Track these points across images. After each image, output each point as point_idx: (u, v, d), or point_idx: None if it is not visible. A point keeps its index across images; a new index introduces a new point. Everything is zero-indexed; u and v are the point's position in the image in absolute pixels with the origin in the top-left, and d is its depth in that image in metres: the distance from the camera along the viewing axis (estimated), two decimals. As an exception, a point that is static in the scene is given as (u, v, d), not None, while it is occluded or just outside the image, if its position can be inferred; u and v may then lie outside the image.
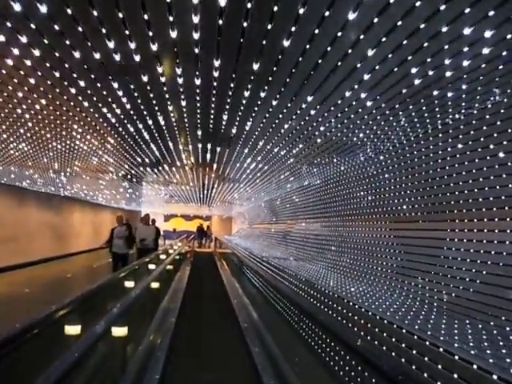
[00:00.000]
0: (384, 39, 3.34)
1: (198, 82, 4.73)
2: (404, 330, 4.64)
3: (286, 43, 3.56)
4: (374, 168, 8.85)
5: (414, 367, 4.17)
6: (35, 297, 9.07)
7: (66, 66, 4.38)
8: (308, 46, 3.57)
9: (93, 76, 4.70)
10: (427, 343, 4.16)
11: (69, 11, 3.25)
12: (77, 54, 4.06)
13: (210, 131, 7.23)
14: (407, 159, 7.56)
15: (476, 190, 6.00)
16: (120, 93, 5.29)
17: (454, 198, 6.42)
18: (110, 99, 5.58)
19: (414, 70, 3.92)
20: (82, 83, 4.95)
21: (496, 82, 4.16)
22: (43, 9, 3.18)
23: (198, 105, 5.65)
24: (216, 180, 14.55)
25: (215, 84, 4.75)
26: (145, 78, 4.72)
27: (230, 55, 3.94)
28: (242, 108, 5.69)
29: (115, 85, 5.01)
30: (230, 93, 5.04)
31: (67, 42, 3.76)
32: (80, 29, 3.51)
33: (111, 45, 3.82)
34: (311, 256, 12.68)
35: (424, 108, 5.16)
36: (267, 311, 7.90)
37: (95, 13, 3.26)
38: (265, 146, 8.29)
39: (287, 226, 17.37)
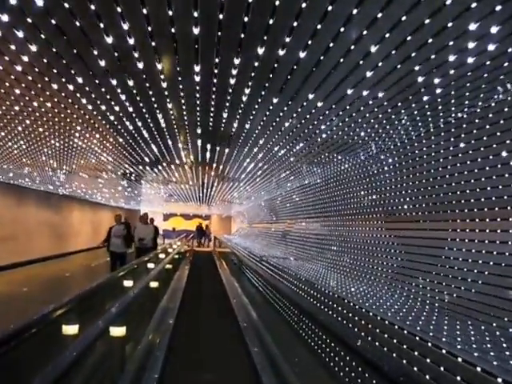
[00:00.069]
0: (387, 35, 3.27)
1: (197, 78, 4.66)
2: (405, 331, 4.59)
3: (288, 39, 3.49)
4: (374, 167, 8.79)
5: (415, 369, 4.12)
6: (33, 296, 9.02)
7: (64, 62, 4.30)
8: (310, 42, 3.50)
9: (91, 72, 4.63)
10: (429, 344, 4.11)
11: (66, 5, 3.18)
12: (74, 50, 3.98)
13: (210, 129, 7.16)
14: (408, 158, 7.50)
15: (478, 190, 5.95)
16: (118, 90, 5.21)
17: (456, 198, 6.36)
18: (108, 96, 5.51)
19: (417, 67, 3.85)
20: (79, 79, 4.87)
21: (500, 80, 4.10)
22: (39, 2, 3.11)
23: (198, 102, 5.58)
24: (215, 179, 14.50)
25: (215, 81, 4.68)
26: (144, 75, 4.65)
27: (230, 51, 3.87)
28: (242, 106, 5.63)
29: (113, 82, 4.93)
30: (230, 90, 4.97)
31: (64, 37, 3.69)
32: (77, 23, 3.43)
33: (109, 40, 3.74)
34: (311, 255, 12.63)
35: (426, 106, 5.10)
36: (266, 311, 7.84)
37: (93, 7, 3.19)
38: (265, 145, 8.23)
39: (287, 226, 17.32)
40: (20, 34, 3.63)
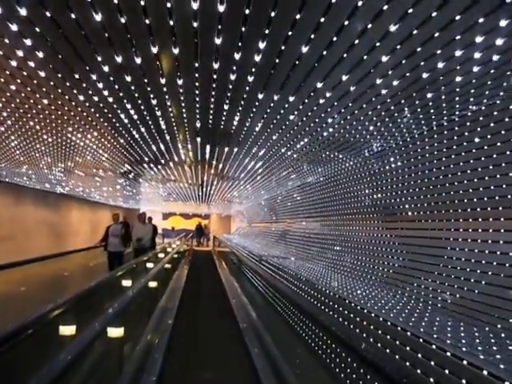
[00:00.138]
0: (393, 29, 3.17)
1: (196, 75, 4.55)
2: (409, 333, 4.51)
3: (290, 32, 3.39)
4: (376, 166, 8.70)
5: (419, 371, 4.04)
6: (31, 295, 8.93)
7: (60, 57, 4.20)
8: (313, 36, 3.39)
9: (87, 68, 4.53)
10: (433, 346, 4.03)
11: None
12: (71, 46, 3.88)
13: (210, 127, 7.06)
14: (410, 157, 7.42)
15: (481, 189, 5.87)
16: (116, 86, 5.11)
17: (458, 197, 6.28)
18: (106, 93, 5.40)
19: (422, 63, 3.76)
20: (76, 76, 4.77)
21: (507, 76, 4.00)
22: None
23: (197, 99, 5.47)
24: (215, 178, 14.40)
25: (215, 77, 4.57)
26: (141, 71, 4.55)
27: (230, 47, 3.76)
28: (242, 102, 5.52)
29: (111, 78, 4.83)
30: (230, 86, 4.87)
31: (60, 31, 3.58)
32: (73, 16, 3.33)
33: (106, 34, 3.64)
34: (311, 255, 12.55)
35: (430, 103, 5.00)
36: (266, 311, 7.75)
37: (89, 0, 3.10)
38: (265, 143, 8.13)
39: (287, 225, 17.24)
40: (14, 28, 3.52)
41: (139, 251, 9.95)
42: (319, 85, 4.64)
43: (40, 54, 4.16)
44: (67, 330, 3.35)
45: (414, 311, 6.06)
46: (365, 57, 3.72)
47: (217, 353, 5.39)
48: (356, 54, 3.68)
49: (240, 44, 3.70)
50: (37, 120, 7.05)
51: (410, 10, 2.94)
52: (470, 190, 6.04)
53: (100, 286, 5.46)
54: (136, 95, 5.45)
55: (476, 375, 3.34)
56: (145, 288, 6.19)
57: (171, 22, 3.35)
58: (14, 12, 3.28)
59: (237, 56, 3.95)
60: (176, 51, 3.95)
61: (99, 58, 4.18)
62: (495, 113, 5.08)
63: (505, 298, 5.08)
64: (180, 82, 4.85)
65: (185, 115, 6.35)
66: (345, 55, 3.73)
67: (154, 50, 3.94)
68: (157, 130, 7.38)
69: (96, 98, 5.60)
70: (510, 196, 5.38)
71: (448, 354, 3.79)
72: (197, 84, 4.86)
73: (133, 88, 5.14)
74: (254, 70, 4.30)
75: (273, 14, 3.14)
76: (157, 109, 6.05)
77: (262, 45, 3.66)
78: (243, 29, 3.38)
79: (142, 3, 3.13)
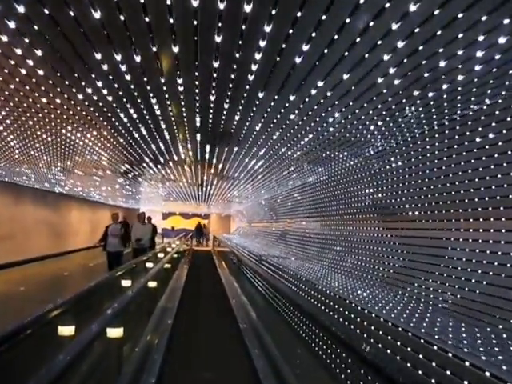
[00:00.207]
0: (395, 27, 3.14)
1: (196, 73, 4.52)
2: (410, 333, 4.47)
3: (291, 30, 3.35)
4: (377, 166, 8.67)
5: (420, 372, 4.01)
6: (31, 295, 8.90)
7: (59, 55, 4.17)
8: (314, 34, 3.36)
9: (86, 66, 4.49)
10: (435, 347, 4.00)
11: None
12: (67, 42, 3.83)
13: (209, 126, 7.03)
14: (411, 156, 7.39)
15: (482, 189, 5.84)
16: (115, 85, 5.07)
17: (460, 197, 6.25)
18: (105, 92, 5.37)
19: (424, 62, 3.72)
20: (75, 74, 4.73)
21: (509, 75, 3.96)
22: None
23: (197, 98, 5.43)
24: (215, 177, 14.36)
25: (215, 75, 4.53)
26: (141, 69, 4.51)
27: (230, 45, 3.73)
28: (242, 101, 5.48)
29: (110, 77, 4.80)
30: (231, 85, 4.83)
31: (58, 29, 3.55)
32: (71, 13, 3.30)
33: (105, 32, 3.61)
34: (311, 255, 12.52)
35: (432, 103, 4.97)
36: (266, 311, 7.72)
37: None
38: (265, 142, 8.10)
39: (287, 225, 17.21)
40: (12, 25, 3.48)
41: (138, 251, 9.90)
42: (320, 83, 4.60)
43: (39, 53, 4.13)
44: (66, 330, 3.33)
45: (414, 312, 6.03)
46: (366, 55, 3.69)
47: (217, 353, 5.36)
48: (357, 52, 3.64)
49: (240, 42, 3.66)
50: (36, 119, 7.01)
51: (412, 8, 2.90)
52: (471, 190, 6.01)
53: (99, 286, 5.43)
54: (135, 94, 5.41)
55: (478, 377, 3.31)
56: (144, 288, 6.17)
57: (171, 20, 3.31)
58: (12, 9, 3.25)
59: (237, 54, 3.91)
60: (176, 49, 3.92)
61: (98, 57, 4.14)
62: (497, 112, 5.04)
63: (506, 299, 5.05)
64: (180, 80, 4.82)
65: (184, 114, 6.32)
66: (346, 54, 3.70)
67: (154, 48, 3.90)
68: (156, 129, 7.34)
69: (95, 97, 5.56)
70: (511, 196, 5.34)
71: (449, 354, 3.76)
72: (196, 83, 4.82)
73: (132, 87, 5.10)
74: (254, 68, 4.27)
75: (273, 12, 3.10)
76: (156, 108, 6.02)
77: (262, 43, 3.63)
78: (243, 27, 3.34)
79: (142, 0, 3.09)
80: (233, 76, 4.55)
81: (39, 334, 3.26)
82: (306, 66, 4.09)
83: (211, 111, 6.04)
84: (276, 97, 5.23)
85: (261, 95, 5.19)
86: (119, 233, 9.35)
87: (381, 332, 5.01)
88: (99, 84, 5.05)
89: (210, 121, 6.64)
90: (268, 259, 12.40)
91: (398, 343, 4.58)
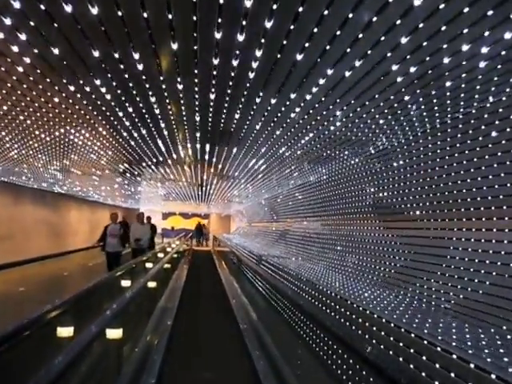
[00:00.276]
0: (398, 22, 3.07)
1: (196, 70, 4.45)
2: (412, 334, 4.41)
3: (292, 26, 3.28)
4: (378, 165, 8.61)
5: (423, 374, 3.95)
6: (30, 295, 8.83)
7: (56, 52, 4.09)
8: (316, 30, 3.29)
9: (84, 63, 4.43)
10: (438, 349, 3.94)
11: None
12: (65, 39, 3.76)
13: (209, 125, 6.96)
14: (413, 155, 7.32)
15: (485, 188, 5.78)
16: (114, 83, 5.01)
17: (462, 196, 6.19)
18: (103, 90, 5.30)
19: (427, 58, 3.65)
20: (72, 72, 4.67)
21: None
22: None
23: (197, 96, 5.36)
24: (215, 177, 14.30)
25: (214, 72, 4.46)
26: (140, 67, 4.44)
27: (230, 39, 3.65)
28: (242, 100, 5.41)
29: (108, 75, 4.73)
30: (231, 83, 4.76)
31: (55, 25, 3.48)
32: (68, 9, 3.23)
33: (102, 28, 3.54)
34: (312, 255, 12.46)
35: (435, 101, 4.90)
36: (266, 312, 7.67)
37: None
38: (266, 141, 8.03)
39: (287, 225, 17.15)
40: (7, 22, 3.41)
41: (137, 251, 9.82)
42: (321, 81, 4.53)
43: (35, 50, 4.06)
44: (65, 331, 3.29)
45: (417, 312, 5.97)
46: (369, 51, 3.62)
47: (217, 353, 5.31)
48: (360, 48, 3.57)
49: (241, 39, 3.60)
50: (34, 118, 6.94)
51: (417, 2, 2.83)
52: (474, 189, 5.95)
53: (99, 287, 5.37)
54: (134, 92, 5.34)
55: (484, 379, 3.25)
56: (144, 288, 6.11)
57: (170, 16, 3.25)
58: (8, 6, 3.18)
59: (237, 51, 3.84)
60: (175, 46, 3.85)
61: (96, 54, 4.08)
62: (500, 110, 4.98)
63: (510, 299, 4.99)
64: (179, 78, 4.75)
65: (184, 112, 6.25)
66: (348, 50, 3.63)
67: (153, 45, 3.83)
68: (156, 128, 7.27)
69: (93, 96, 5.49)
70: (515, 195, 5.29)
71: (454, 356, 3.69)
72: (196, 80, 4.76)
73: (131, 84, 5.03)
74: (254, 65, 4.20)
75: (274, 7, 3.04)
76: (155, 106, 5.95)
77: (263, 39, 3.56)
78: (244, 23, 3.28)
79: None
80: (233, 74, 4.48)
81: (38, 335, 3.22)
82: (307, 62, 4.02)
83: (211, 110, 5.97)
84: (276, 95, 5.16)
85: (261, 93, 5.12)
86: (118, 233, 9.27)
87: (383, 333, 4.96)
88: (97, 82, 4.98)
89: (210, 119, 6.57)
90: (268, 259, 12.34)
91: (401, 344, 4.52)
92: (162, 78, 4.77)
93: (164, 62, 4.34)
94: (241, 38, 3.51)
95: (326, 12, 3.05)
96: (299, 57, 3.89)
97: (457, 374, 3.54)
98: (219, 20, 3.26)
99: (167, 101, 5.65)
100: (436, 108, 5.25)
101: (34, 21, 3.45)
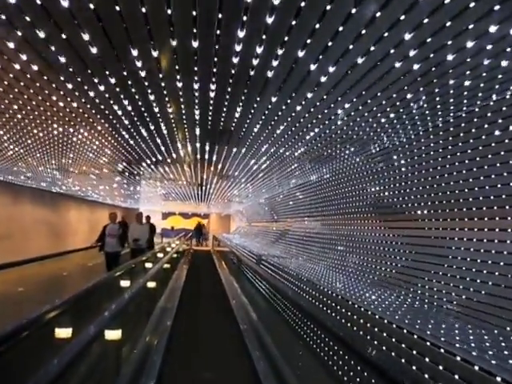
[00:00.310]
0: (402, 17, 3.00)
1: (195, 68, 4.39)
2: (415, 336, 4.36)
3: (294, 22, 3.22)
4: (379, 164, 8.55)
5: (426, 376, 3.90)
6: (29, 296, 8.79)
7: (53, 49, 4.03)
8: (318, 26, 3.23)
9: (82, 62, 4.36)
10: (442, 351, 3.88)
11: None
12: (62, 35, 3.69)
13: (209, 124, 6.90)
14: (415, 155, 7.27)
15: (487, 187, 5.73)
16: (112, 80, 4.94)
17: (464, 196, 6.14)
18: (102, 88, 5.23)
19: (431, 55, 3.59)
20: (70, 69, 4.60)
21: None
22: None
23: (197, 94, 5.30)
24: (215, 176, 14.24)
25: (214, 70, 4.40)
26: (139, 64, 4.38)
27: (230, 35, 3.58)
28: (242, 98, 5.34)
29: (107, 72, 4.66)
30: (231, 81, 4.70)
31: (51, 20, 3.41)
32: (65, 4, 3.16)
33: (100, 24, 3.47)
34: (312, 255, 12.41)
35: (438, 99, 4.83)
36: (266, 312, 7.62)
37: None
38: (266, 140, 7.97)
39: (287, 224, 17.10)
40: (3, 16, 3.35)
41: (136, 251, 9.75)
42: (323, 78, 4.47)
43: (32, 48, 3.99)
44: (64, 332, 3.25)
45: (419, 313, 5.92)
46: (372, 48, 3.55)
47: (217, 354, 5.27)
48: (363, 44, 3.50)
49: (241, 35, 3.53)
50: (31, 117, 6.88)
51: (421, -3, 2.77)
52: (476, 188, 5.90)
53: (98, 287, 5.33)
54: (133, 90, 5.28)
55: (489, 382, 3.19)
56: (143, 288, 6.07)
57: (169, 11, 3.19)
58: (3, 1, 3.12)
59: (237, 47, 3.77)
60: (174, 43, 3.79)
61: (94, 51, 4.01)
62: (504, 108, 4.92)
63: (513, 300, 4.93)
64: (178, 76, 4.69)
65: (183, 111, 6.19)
66: (351, 46, 3.56)
67: (152, 41, 3.77)
68: (155, 126, 7.21)
69: (91, 93, 5.43)
70: (517, 195, 5.24)
71: (458, 358, 3.64)
72: (196, 78, 4.69)
73: (130, 82, 4.97)
74: (255, 62, 4.13)
75: (275, 2, 2.97)
76: (155, 105, 5.89)
77: (263, 35, 3.49)
78: (244, 18, 3.21)
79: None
80: (233, 71, 4.42)
81: (36, 336, 3.17)
82: (308, 59, 3.95)
83: (211, 108, 5.91)
84: (277, 93, 5.10)
85: (261, 91, 5.05)
86: (117, 233, 9.20)
87: (385, 334, 4.90)
88: (95, 80, 4.92)
89: (210, 118, 6.51)
90: (268, 259, 12.29)
91: (403, 345, 4.46)
92: (161, 76, 4.71)
93: (163, 59, 4.27)
94: (241, 34, 3.44)
95: (328, 7, 2.99)
96: (301, 53, 3.82)
97: (461, 377, 3.48)
98: (219, 15, 3.19)
99: (166, 99, 5.59)
100: (439, 106, 5.19)
101: (30, 16, 3.38)
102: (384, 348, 4.69)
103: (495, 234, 5.64)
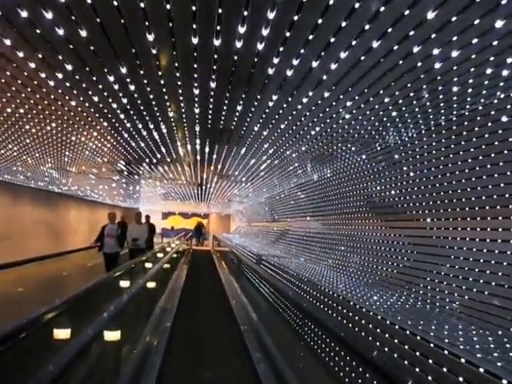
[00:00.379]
0: (407, 12, 2.94)
1: (195, 65, 4.32)
2: (418, 337, 4.30)
3: (296, 17, 3.15)
4: (380, 164, 8.50)
5: (430, 378, 3.84)
6: (29, 296, 8.76)
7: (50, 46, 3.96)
8: (320, 21, 3.16)
9: (81, 60, 4.30)
10: (445, 352, 3.82)
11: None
12: (61, 31, 3.63)
13: (209, 123, 6.84)
14: (416, 154, 7.21)
15: (490, 187, 5.67)
16: (111, 79, 4.88)
17: (466, 195, 6.08)
18: (100, 86, 5.17)
19: (435, 51, 3.52)
20: (69, 67, 4.54)
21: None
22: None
23: (197, 92, 5.24)
24: (215, 176, 14.19)
25: (214, 67, 4.34)
26: (137, 61, 4.32)
27: (231, 31, 3.52)
28: (242, 96, 5.28)
29: (106, 70, 4.60)
30: (231, 78, 4.63)
31: (49, 19, 3.34)
32: (63, 0, 3.10)
33: (98, 20, 3.41)
34: (313, 255, 12.36)
35: (441, 96, 4.77)
36: (266, 312, 7.58)
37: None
38: (267, 140, 7.91)
39: (287, 224, 17.05)
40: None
41: (135, 252, 9.69)
42: (324, 76, 4.41)
43: (30, 46, 3.94)
44: (63, 332, 3.22)
45: (421, 313, 5.86)
46: (374, 45, 3.49)
47: (217, 355, 5.25)
48: (365, 40, 3.44)
49: (242, 32, 3.47)
50: (30, 116, 6.83)
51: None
52: (479, 188, 5.84)
53: (97, 287, 5.29)
54: (132, 88, 5.22)
55: (494, 384, 3.14)
56: (143, 288, 6.04)
57: (168, 6, 3.12)
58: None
59: (238, 44, 3.71)
60: (173, 40, 3.72)
61: (92, 48, 3.95)
62: (508, 106, 4.86)
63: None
64: (178, 73, 4.63)
65: (183, 110, 6.13)
66: (354, 42, 3.50)
67: (150, 37, 3.70)
68: (155, 126, 7.15)
69: (90, 92, 5.37)
70: (521, 194, 5.18)
71: (462, 360, 3.58)
72: (195, 76, 4.63)
73: (129, 80, 4.91)
74: (256, 60, 4.07)
75: (277, -2, 2.92)
76: (154, 103, 5.83)
77: (265, 32, 3.43)
78: (245, 13, 3.15)
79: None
80: (233, 68, 4.36)
81: (36, 336, 3.13)
82: (310, 56, 3.89)
83: (211, 107, 5.85)
84: (278, 91, 5.04)
85: (262, 89, 4.99)
86: (116, 233, 9.15)
87: (387, 335, 4.85)
88: (94, 78, 4.86)
89: (210, 117, 6.45)
90: (268, 259, 12.25)
91: (406, 347, 4.41)
92: (160, 73, 4.65)
93: (162, 56, 4.21)
94: (242, 29, 3.38)
95: (331, 2, 2.93)
96: (302, 50, 3.76)
97: (465, 379, 3.42)
98: (219, 10, 3.13)
99: (166, 97, 5.53)
100: (442, 104, 5.13)
101: (27, 12, 3.32)
102: (386, 349, 4.63)
103: (498, 234, 5.58)
